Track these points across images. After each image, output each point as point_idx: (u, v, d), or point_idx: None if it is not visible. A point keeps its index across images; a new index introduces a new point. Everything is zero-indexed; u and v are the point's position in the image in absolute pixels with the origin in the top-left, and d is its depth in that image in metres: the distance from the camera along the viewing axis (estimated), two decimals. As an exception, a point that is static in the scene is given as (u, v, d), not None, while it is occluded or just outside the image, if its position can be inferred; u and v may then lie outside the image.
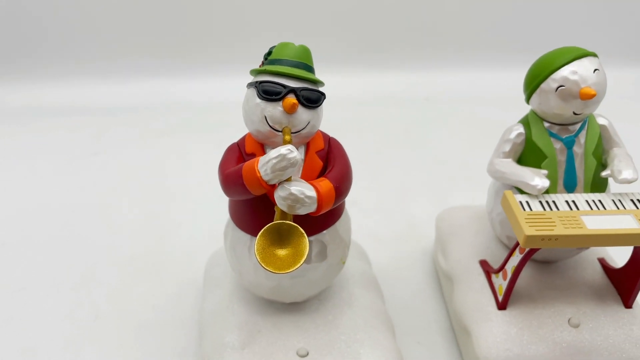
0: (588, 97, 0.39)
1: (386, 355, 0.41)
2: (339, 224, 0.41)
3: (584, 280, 0.47)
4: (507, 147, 0.44)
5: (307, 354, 0.41)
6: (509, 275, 0.43)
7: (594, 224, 0.39)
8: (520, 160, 0.45)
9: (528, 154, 0.44)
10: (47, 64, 0.95)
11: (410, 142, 0.83)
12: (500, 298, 0.44)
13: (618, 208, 0.41)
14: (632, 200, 0.41)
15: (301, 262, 0.33)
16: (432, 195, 0.70)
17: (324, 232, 0.40)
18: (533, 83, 0.42)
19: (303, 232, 0.34)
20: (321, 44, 0.97)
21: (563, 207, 0.41)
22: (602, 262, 0.49)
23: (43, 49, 0.95)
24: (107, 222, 0.65)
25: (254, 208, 0.38)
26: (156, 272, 0.57)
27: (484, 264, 0.49)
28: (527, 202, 0.41)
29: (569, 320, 0.44)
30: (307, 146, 0.38)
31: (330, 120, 0.87)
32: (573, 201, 0.41)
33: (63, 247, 0.60)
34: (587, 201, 0.41)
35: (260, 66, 0.36)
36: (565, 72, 0.40)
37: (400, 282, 0.56)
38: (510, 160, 0.44)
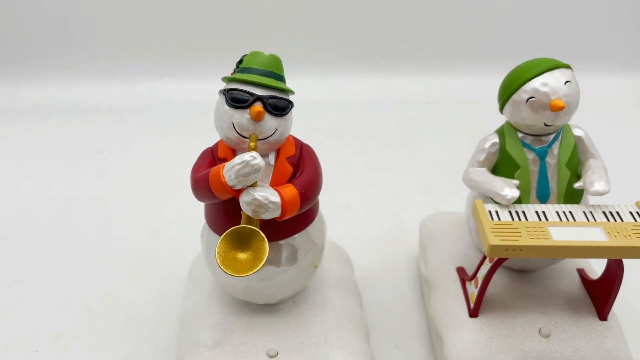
0: (557, 109, 0.40)
1: (355, 357, 0.42)
2: (310, 228, 0.42)
3: (559, 291, 0.47)
4: (482, 157, 0.45)
5: (277, 354, 0.42)
6: (480, 283, 0.43)
7: (561, 235, 0.39)
8: (495, 170, 0.45)
9: (502, 164, 0.44)
10: (57, 64, 0.99)
11: (409, 146, 0.84)
12: (472, 305, 0.45)
13: (588, 220, 0.41)
14: (604, 213, 0.41)
15: (260, 266, 0.34)
16: (426, 199, 0.71)
17: (295, 236, 0.41)
18: (505, 94, 0.42)
19: (264, 236, 0.35)
20: (326, 49, 0.98)
21: (532, 217, 0.41)
22: (581, 273, 0.49)
23: (54, 51, 0.98)
24: (104, 218, 0.67)
25: (225, 212, 0.39)
26: (147, 269, 0.59)
27: (460, 271, 0.49)
28: (497, 212, 0.41)
29: (539, 330, 0.44)
30: (278, 152, 0.39)
31: (332, 122, 0.89)
32: (543, 212, 0.41)
33: (61, 242, 0.63)
34: (557, 212, 0.41)
35: (231, 74, 0.38)
36: (535, 83, 0.41)
37: (384, 286, 0.57)
38: (484, 169, 0.45)
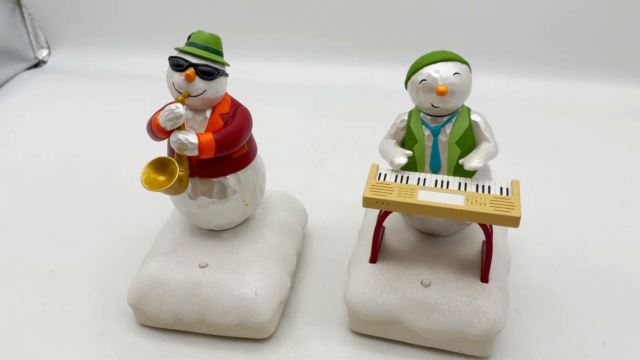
0: (440, 94, 0.47)
1: (267, 281, 0.53)
2: (241, 173, 0.53)
3: (456, 255, 0.54)
4: (393, 130, 0.53)
5: (207, 265, 0.54)
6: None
7: (425, 197, 0.47)
8: (404, 143, 0.53)
9: (407, 138, 0.52)
10: (135, 39, 1.19)
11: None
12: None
13: (459, 189, 0.48)
14: (477, 185, 0.48)
15: (169, 185, 0.46)
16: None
17: (227, 176, 0.52)
18: (408, 74, 0.50)
19: (177, 166, 0.47)
20: (338, 41, 1.10)
21: (414, 182, 0.49)
22: (483, 243, 0.55)
23: (136, 29, 1.19)
24: (135, 162, 0.83)
25: (169, 149, 0.52)
26: (146, 202, 0.74)
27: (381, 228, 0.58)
28: (385, 175, 0.50)
29: (422, 281, 0.52)
30: (214, 109, 0.51)
31: (337, 104, 0.99)
32: (424, 179, 0.49)
33: (97, 175, 0.81)
34: (436, 180, 0.49)
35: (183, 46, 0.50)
36: (430, 69, 0.48)
37: (334, 240, 0.67)
38: (393, 141, 0.53)
